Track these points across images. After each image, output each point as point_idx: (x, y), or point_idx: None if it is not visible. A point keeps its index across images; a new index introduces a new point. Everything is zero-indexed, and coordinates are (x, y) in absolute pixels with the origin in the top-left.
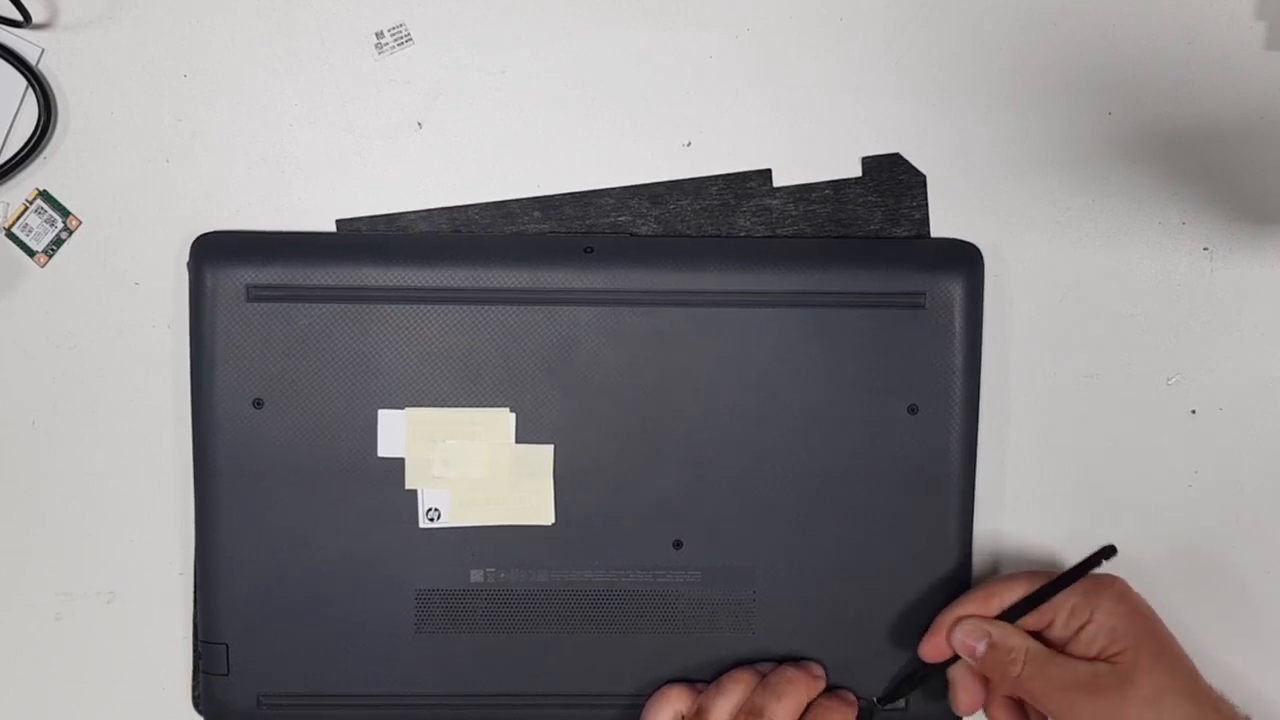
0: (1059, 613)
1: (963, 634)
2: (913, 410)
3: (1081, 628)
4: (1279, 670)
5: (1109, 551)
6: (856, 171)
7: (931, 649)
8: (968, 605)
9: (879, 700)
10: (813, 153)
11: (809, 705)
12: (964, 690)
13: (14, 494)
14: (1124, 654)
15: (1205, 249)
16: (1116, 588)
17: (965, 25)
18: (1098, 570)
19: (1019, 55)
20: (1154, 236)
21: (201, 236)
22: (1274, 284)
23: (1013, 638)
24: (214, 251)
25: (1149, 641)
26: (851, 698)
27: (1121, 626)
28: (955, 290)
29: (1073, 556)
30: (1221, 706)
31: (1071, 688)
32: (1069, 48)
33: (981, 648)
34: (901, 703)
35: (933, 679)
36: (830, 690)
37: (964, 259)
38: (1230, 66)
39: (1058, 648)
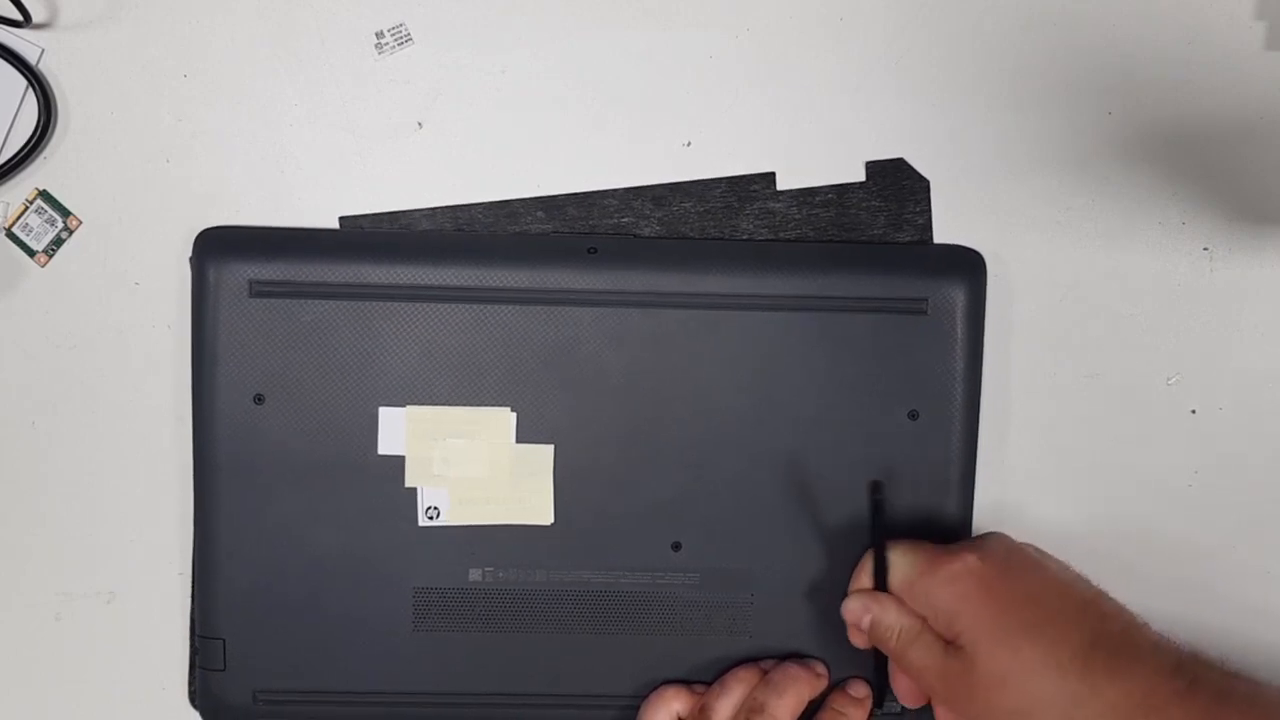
0: (904, 591)
1: (849, 611)
2: (913, 416)
3: (927, 608)
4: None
5: (877, 488)
6: (860, 175)
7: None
8: (860, 577)
9: (875, 705)
10: (816, 156)
11: (822, 706)
12: (898, 680)
13: (14, 494)
14: (963, 636)
15: (1205, 249)
16: (948, 568)
17: (965, 25)
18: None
19: (1019, 55)
20: (1154, 236)
21: (204, 231)
22: (1274, 284)
23: (888, 614)
24: (217, 246)
25: (986, 623)
26: (864, 691)
27: (956, 609)
28: (957, 297)
29: (1070, 558)
30: (1095, 675)
31: (927, 672)
32: (1069, 48)
33: (866, 623)
34: (898, 706)
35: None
36: (841, 683)
37: (966, 265)
38: (1230, 66)
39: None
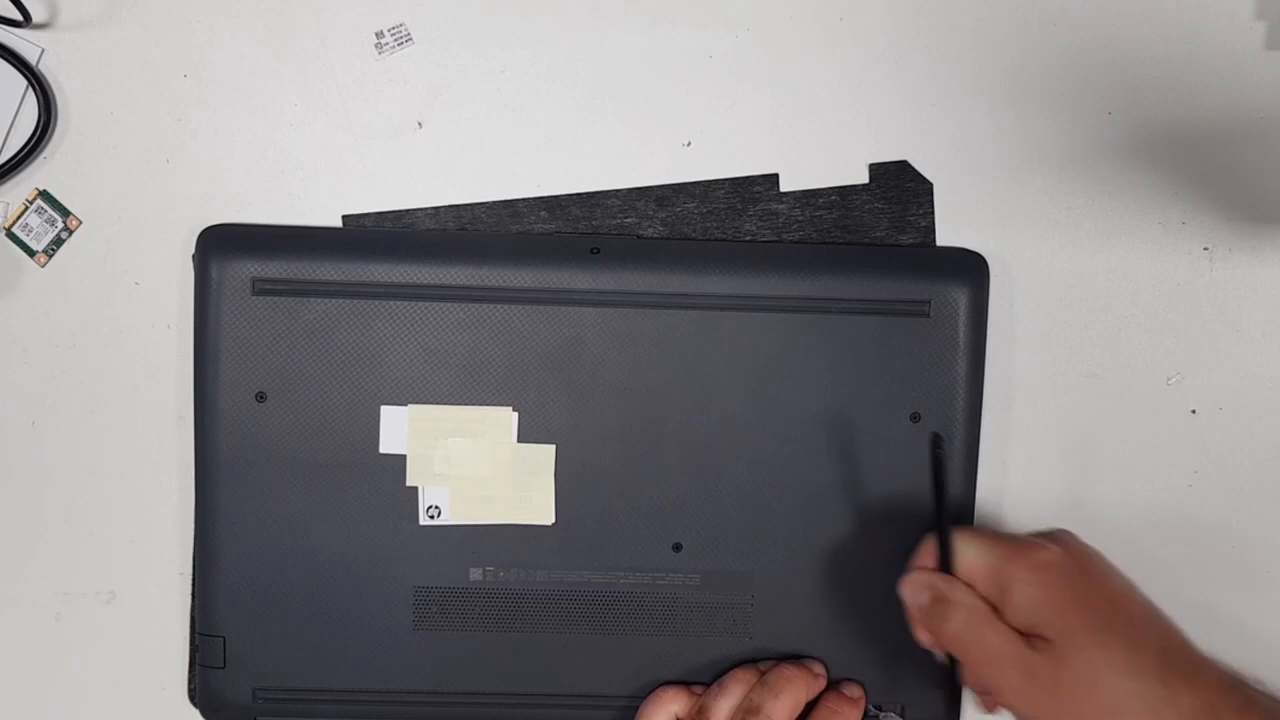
0: (976, 575)
1: (910, 584)
2: (915, 418)
3: (1004, 595)
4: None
5: (937, 443)
6: (863, 178)
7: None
8: (923, 558)
9: (876, 706)
10: (817, 157)
11: (816, 706)
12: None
13: (14, 494)
14: (1052, 629)
15: (1205, 249)
16: (1034, 557)
17: (965, 26)
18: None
19: (1019, 56)
20: (1154, 236)
21: (208, 229)
22: (1274, 284)
23: (956, 592)
24: (220, 244)
25: (1077, 615)
26: (859, 692)
27: (1042, 599)
28: (960, 299)
29: None
30: (1172, 682)
31: (1003, 660)
32: (1069, 48)
33: (925, 599)
34: (898, 708)
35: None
36: (836, 684)
37: (969, 268)
38: (1230, 66)
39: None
